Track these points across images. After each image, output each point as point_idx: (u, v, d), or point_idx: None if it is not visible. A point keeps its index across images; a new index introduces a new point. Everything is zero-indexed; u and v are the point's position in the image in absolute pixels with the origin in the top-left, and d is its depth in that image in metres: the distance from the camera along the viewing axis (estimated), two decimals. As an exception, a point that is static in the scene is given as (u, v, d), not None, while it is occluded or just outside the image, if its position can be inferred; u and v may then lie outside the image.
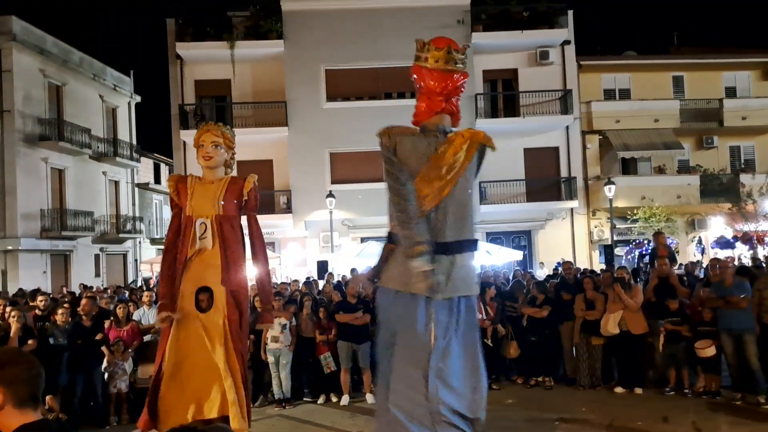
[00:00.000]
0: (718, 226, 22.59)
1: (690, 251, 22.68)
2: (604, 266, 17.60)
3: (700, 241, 22.90)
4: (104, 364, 8.51)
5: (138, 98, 30.12)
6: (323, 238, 21.18)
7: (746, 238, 20.24)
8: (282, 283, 12.88)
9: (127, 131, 29.13)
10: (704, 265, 14.03)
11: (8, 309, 8.42)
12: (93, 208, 25.70)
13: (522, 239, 22.82)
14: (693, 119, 24.08)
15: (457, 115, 4.79)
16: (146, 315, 9.65)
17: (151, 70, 66.54)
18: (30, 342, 7.80)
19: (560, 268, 13.41)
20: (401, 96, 21.79)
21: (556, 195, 23.11)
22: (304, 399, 9.14)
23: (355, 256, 17.46)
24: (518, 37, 22.17)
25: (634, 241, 21.59)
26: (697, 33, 61.37)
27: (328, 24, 21.77)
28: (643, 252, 18.68)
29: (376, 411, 4.97)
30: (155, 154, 34.26)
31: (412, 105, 4.81)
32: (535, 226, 22.80)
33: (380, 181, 4.88)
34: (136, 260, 28.49)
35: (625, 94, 24.42)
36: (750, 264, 14.89)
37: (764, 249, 20.22)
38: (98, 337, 8.49)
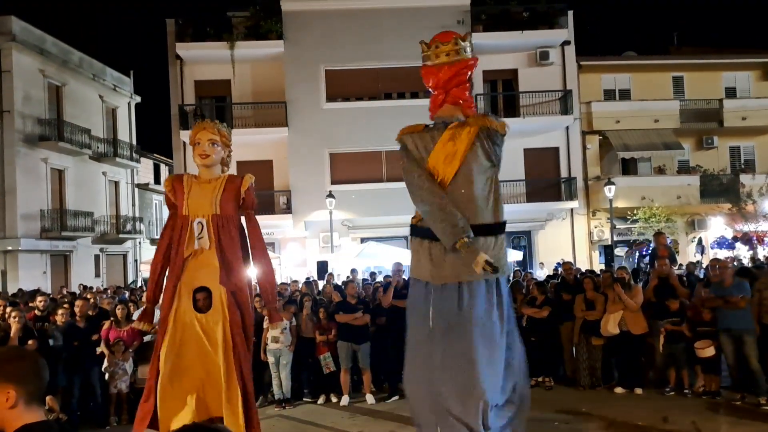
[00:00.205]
0: (718, 226, 22.60)
1: (690, 251, 22.68)
2: (603, 266, 17.62)
3: (700, 242, 22.90)
4: (104, 364, 8.51)
5: (138, 98, 30.13)
6: (323, 239, 21.18)
7: (746, 239, 20.27)
8: (282, 283, 12.88)
9: (127, 131, 29.14)
10: (704, 266, 14.05)
11: (8, 309, 8.42)
12: (93, 208, 25.70)
13: (522, 239, 22.82)
14: (693, 119, 24.08)
15: (466, 104, 4.77)
16: (146, 315, 9.62)
17: (151, 71, 66.58)
18: (30, 342, 7.79)
19: (560, 269, 13.43)
20: (401, 96, 21.83)
21: (556, 195, 23.12)
22: (304, 399, 9.15)
23: (355, 257, 17.47)
24: (518, 37, 22.17)
25: (635, 241, 21.59)
26: (697, 33, 61.42)
27: (328, 24, 21.77)
28: (644, 252, 18.68)
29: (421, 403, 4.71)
30: (155, 155, 34.27)
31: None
32: (535, 226, 22.79)
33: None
34: (136, 261, 28.49)
35: (625, 95, 24.41)
36: (749, 264, 14.91)
37: (764, 249, 20.24)
38: (94, 337, 8.49)
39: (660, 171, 24.02)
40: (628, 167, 24.29)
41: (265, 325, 8.30)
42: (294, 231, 21.76)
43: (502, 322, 4.58)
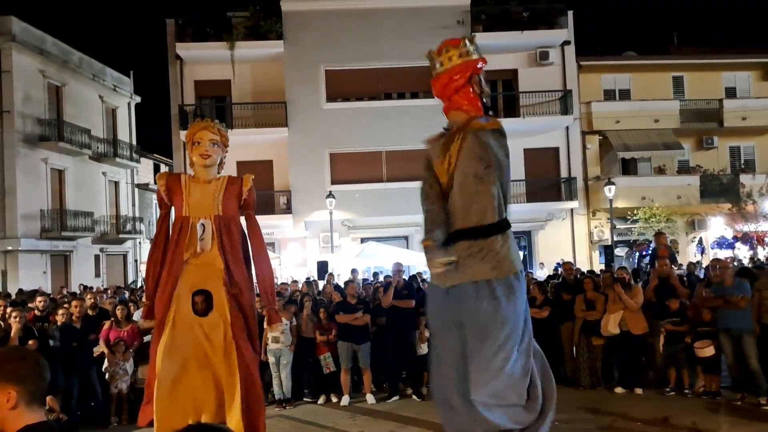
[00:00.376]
0: (718, 226, 22.60)
1: (690, 252, 22.69)
2: (603, 267, 17.62)
3: (700, 242, 22.91)
4: (105, 364, 8.52)
5: (138, 99, 30.12)
6: (323, 239, 21.18)
7: (746, 239, 20.27)
8: (282, 283, 12.88)
9: (126, 132, 29.14)
10: (704, 266, 14.06)
11: (9, 309, 8.42)
12: (93, 208, 25.70)
13: (522, 239, 22.81)
14: (693, 119, 24.08)
15: (470, 105, 4.75)
16: (146, 315, 9.63)
17: (151, 71, 66.61)
18: (30, 342, 7.79)
19: (560, 269, 13.43)
20: (401, 96, 21.82)
21: (556, 195, 23.12)
22: (305, 399, 9.15)
23: (355, 257, 17.45)
24: (518, 37, 22.16)
25: (635, 241, 21.59)
26: (697, 33, 61.39)
27: (328, 24, 21.76)
28: (644, 253, 18.69)
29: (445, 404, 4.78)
30: (155, 155, 34.27)
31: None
32: (535, 226, 22.80)
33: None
34: (136, 261, 28.48)
35: (625, 95, 24.41)
36: (749, 265, 14.91)
37: (764, 249, 20.24)
38: (91, 337, 8.48)
39: (660, 171, 24.02)
40: (628, 167, 24.29)
41: (265, 325, 8.29)
42: (294, 231, 21.76)
43: (517, 323, 4.66)
